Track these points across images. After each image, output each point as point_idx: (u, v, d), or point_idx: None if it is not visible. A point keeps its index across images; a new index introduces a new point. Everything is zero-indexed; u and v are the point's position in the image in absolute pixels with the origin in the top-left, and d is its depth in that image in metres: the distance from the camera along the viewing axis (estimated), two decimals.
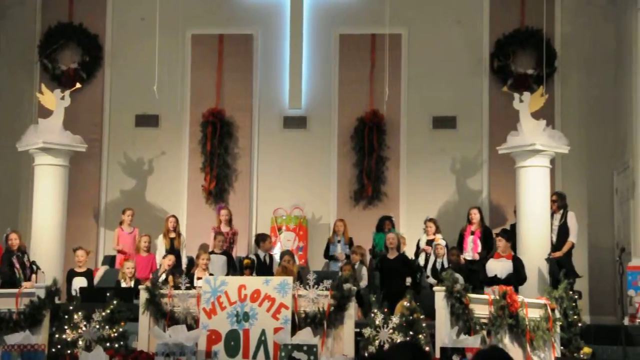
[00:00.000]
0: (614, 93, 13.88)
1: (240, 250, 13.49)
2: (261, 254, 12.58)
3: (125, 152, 14.59)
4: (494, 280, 10.18)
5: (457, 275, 10.07)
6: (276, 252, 12.94)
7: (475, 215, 12.65)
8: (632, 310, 11.49)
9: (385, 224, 13.16)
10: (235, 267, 12.28)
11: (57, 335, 8.87)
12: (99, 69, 14.77)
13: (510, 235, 11.02)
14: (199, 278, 10.83)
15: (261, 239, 12.66)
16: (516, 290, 10.08)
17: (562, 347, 9.61)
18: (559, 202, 12.21)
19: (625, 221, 12.94)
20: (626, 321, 10.99)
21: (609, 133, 13.86)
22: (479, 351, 4.07)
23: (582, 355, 9.62)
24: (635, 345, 10.31)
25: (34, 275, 11.46)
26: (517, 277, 10.57)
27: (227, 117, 14.48)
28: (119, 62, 14.75)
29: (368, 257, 12.93)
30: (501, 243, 10.78)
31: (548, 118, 12.85)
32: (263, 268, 12.19)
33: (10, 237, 11.49)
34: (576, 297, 9.94)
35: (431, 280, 11.96)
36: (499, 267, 10.61)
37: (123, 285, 11.29)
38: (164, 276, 11.11)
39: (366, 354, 8.72)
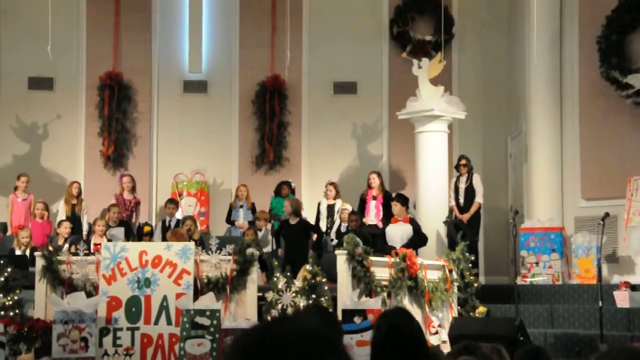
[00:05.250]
0: (508, 59, 14.26)
1: (142, 216, 13.27)
2: (166, 219, 12.47)
3: (18, 115, 14.07)
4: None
5: (357, 239, 10.20)
6: (179, 217, 12.81)
7: (375, 180, 12.79)
8: (524, 270, 11.94)
9: (283, 189, 13.19)
10: (134, 236, 12.08)
11: None
12: None
13: (406, 199, 11.23)
14: (96, 244, 10.63)
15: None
16: (416, 252, 10.33)
17: (459, 307, 9.92)
18: (469, 164, 12.52)
19: (519, 185, 13.38)
20: (519, 281, 11.42)
21: (503, 99, 14.25)
22: (383, 312, 4.15)
23: (477, 314, 9.95)
24: (526, 303, 10.74)
25: None
26: (419, 237, 10.82)
27: (126, 81, 14.15)
28: (9, 20, 14.14)
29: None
30: (397, 207, 10.99)
31: (446, 84, 13.09)
32: (167, 233, 12.06)
33: None
34: (473, 258, 10.25)
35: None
36: (398, 231, 10.82)
37: (18, 253, 10.96)
38: (67, 245, 10.86)
39: (269, 318, 8.77)
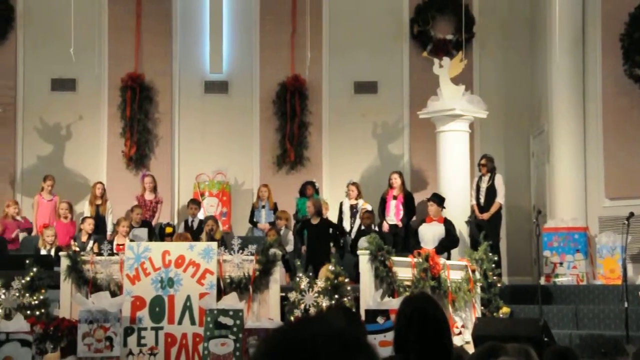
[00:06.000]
0: (530, 58, 14.18)
1: (164, 216, 13.34)
2: (189, 219, 12.53)
3: (42, 116, 14.17)
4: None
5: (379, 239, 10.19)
6: (201, 218, 12.86)
7: (396, 180, 12.77)
8: (548, 270, 11.86)
9: (307, 189, 13.21)
10: (156, 237, 12.14)
11: None
12: (11, 30, 14.23)
13: (442, 199, 11.20)
14: (120, 245, 10.69)
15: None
16: (448, 255, 10.32)
17: (482, 307, 9.88)
18: (488, 165, 12.46)
19: (542, 184, 13.30)
20: (542, 281, 11.35)
21: (525, 97, 14.18)
22: (406, 297, 4.09)
23: (501, 315, 9.91)
24: (550, 303, 10.68)
25: None
26: (448, 240, 10.79)
27: (147, 82, 14.21)
28: (32, 23, 14.25)
29: (292, 222, 12.97)
30: (432, 207, 10.98)
31: (467, 83, 13.05)
32: (189, 233, 12.12)
33: None
34: (495, 258, 10.21)
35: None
36: (430, 231, 10.81)
37: (43, 252, 11.04)
38: (91, 243, 10.95)
39: (295, 318, 8.78)
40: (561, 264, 11.76)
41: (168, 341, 8.82)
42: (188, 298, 8.89)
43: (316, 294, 8.94)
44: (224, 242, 10.82)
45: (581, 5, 12.54)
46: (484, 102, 12.76)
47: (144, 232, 11.95)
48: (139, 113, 14.07)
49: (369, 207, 12.61)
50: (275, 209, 13.03)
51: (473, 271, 9.80)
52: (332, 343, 1.81)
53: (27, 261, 9.04)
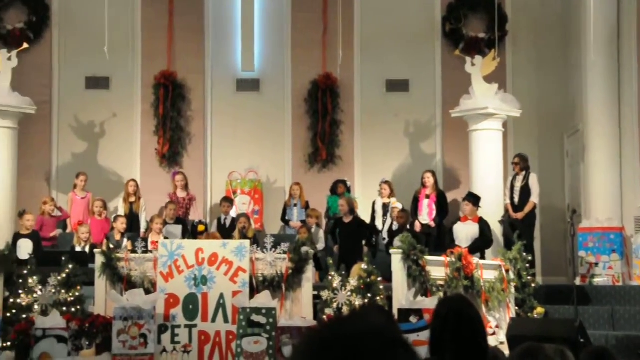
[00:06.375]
0: (564, 56, 14.05)
1: (197, 214, 13.40)
2: (221, 217, 12.57)
3: (76, 114, 14.30)
4: None
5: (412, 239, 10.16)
6: (233, 216, 12.90)
7: (429, 179, 12.73)
8: (583, 270, 11.74)
9: (338, 187, 13.20)
10: (189, 234, 12.20)
11: (11, 300, 8.76)
12: (47, 29, 14.37)
13: (477, 199, 11.14)
14: (153, 242, 10.75)
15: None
16: (482, 254, 10.25)
17: (516, 308, 9.81)
18: (521, 164, 12.37)
19: (576, 183, 13.17)
20: (578, 281, 11.24)
21: (559, 96, 14.05)
22: (443, 298, 4.09)
23: (535, 315, 9.82)
24: (586, 304, 10.57)
25: None
26: (482, 240, 10.73)
27: (180, 80, 14.28)
28: (67, 22, 14.38)
29: (323, 220, 12.97)
30: (468, 207, 10.93)
31: (500, 81, 12.96)
32: (222, 231, 12.18)
33: None
34: (530, 258, 10.13)
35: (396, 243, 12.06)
36: (464, 230, 10.76)
37: (78, 249, 11.13)
38: (125, 240, 11.03)
39: (324, 317, 8.77)
40: (597, 264, 11.63)
41: (201, 339, 8.86)
42: (221, 296, 8.92)
43: (349, 293, 8.93)
44: (257, 240, 10.85)
45: (616, 2, 12.39)
46: (517, 101, 12.66)
47: (177, 229, 12.02)
48: (171, 111, 14.14)
49: (400, 206, 12.57)
50: (307, 207, 13.04)
51: (507, 271, 9.73)
52: (373, 340, 1.79)
53: (63, 258, 9.13)
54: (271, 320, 8.50)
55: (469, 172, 12.59)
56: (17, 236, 11.40)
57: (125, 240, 11.33)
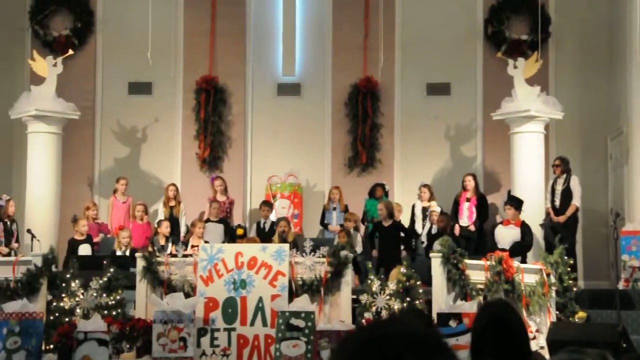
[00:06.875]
0: (608, 58, 13.85)
1: (237, 218, 13.49)
2: (261, 221, 12.64)
3: (119, 119, 14.50)
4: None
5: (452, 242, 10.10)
6: (273, 220, 12.95)
7: (470, 182, 12.65)
8: (626, 274, 11.56)
9: (377, 191, 13.16)
10: (230, 237, 12.29)
11: (54, 304, 8.90)
12: (91, 35, 14.61)
13: (520, 202, 11.05)
14: (194, 246, 10.84)
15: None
16: (524, 258, 10.15)
17: (557, 312, 9.69)
18: (562, 166, 12.24)
19: (620, 186, 12.97)
20: (620, 285, 11.06)
21: (602, 98, 13.85)
22: (484, 302, 4.09)
23: (577, 320, 9.70)
24: (629, 309, 10.40)
25: (15, 244, 11.51)
26: (522, 244, 10.64)
27: (221, 84, 14.39)
28: (110, 28, 14.60)
29: (361, 224, 12.94)
30: (510, 211, 10.87)
31: (542, 84, 12.84)
32: (262, 235, 12.24)
33: (9, 203, 11.56)
34: (571, 261, 10.00)
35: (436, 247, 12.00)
36: (506, 234, 10.70)
37: (118, 253, 11.27)
38: (170, 244, 11.16)
39: (363, 320, 8.76)
40: None
41: (240, 342, 8.90)
42: (260, 300, 8.96)
43: (388, 297, 8.90)
44: (296, 244, 10.87)
45: None
46: (559, 103, 12.52)
47: (218, 227, 12.09)
48: (212, 115, 14.25)
49: (438, 209, 12.49)
50: (346, 211, 13.03)
51: (548, 275, 9.62)
52: (415, 343, 1.79)
53: (105, 262, 9.26)
54: (310, 324, 8.51)
55: (509, 175, 12.48)
56: (74, 241, 11.63)
57: (169, 244, 11.44)
